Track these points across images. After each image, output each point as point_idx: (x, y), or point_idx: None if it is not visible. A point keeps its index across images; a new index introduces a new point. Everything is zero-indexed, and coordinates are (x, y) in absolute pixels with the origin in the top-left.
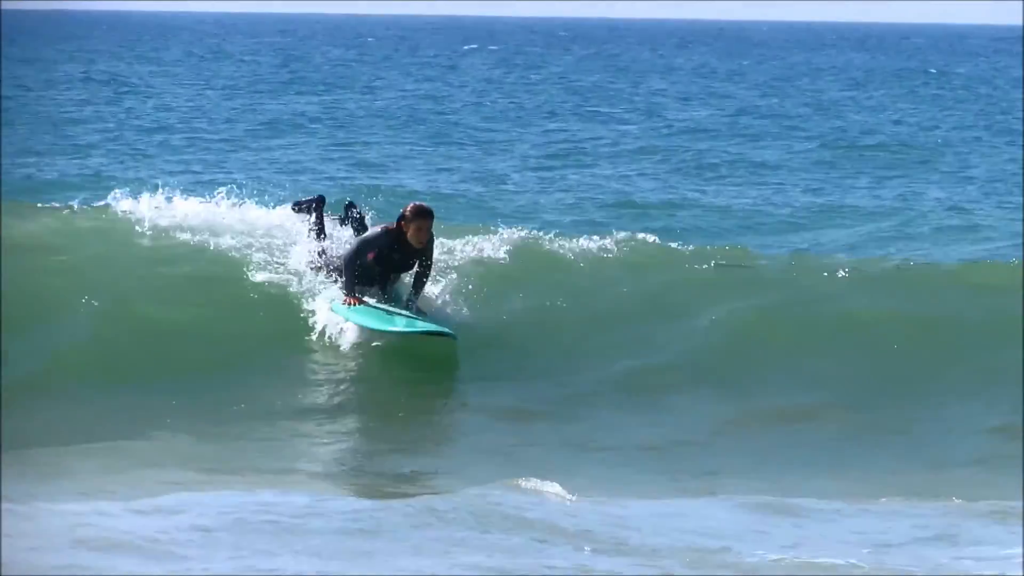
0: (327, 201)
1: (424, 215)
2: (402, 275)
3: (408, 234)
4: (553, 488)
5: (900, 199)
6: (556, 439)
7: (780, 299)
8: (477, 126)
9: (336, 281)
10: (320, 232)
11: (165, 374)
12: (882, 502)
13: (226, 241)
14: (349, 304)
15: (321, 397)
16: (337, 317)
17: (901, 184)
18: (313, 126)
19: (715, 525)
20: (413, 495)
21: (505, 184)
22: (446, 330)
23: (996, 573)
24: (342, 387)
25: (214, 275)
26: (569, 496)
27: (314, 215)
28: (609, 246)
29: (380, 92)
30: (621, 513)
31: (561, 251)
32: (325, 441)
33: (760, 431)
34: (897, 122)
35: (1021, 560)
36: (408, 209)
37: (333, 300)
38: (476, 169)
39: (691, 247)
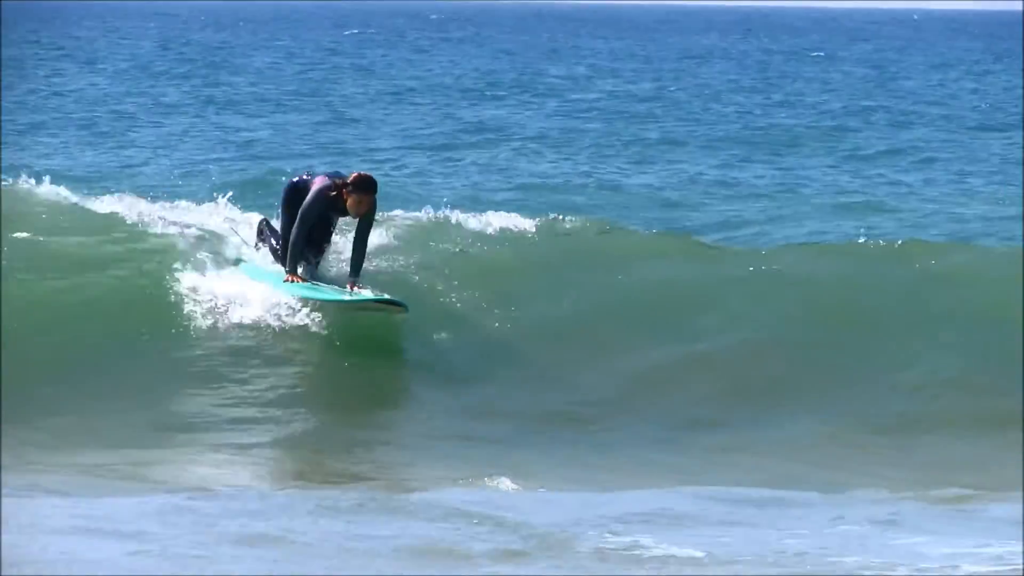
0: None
1: (365, 189)
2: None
3: (347, 203)
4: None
5: (797, 179)
6: (480, 410)
7: (680, 274)
8: (367, 107)
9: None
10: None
11: (73, 352)
12: (790, 488)
13: (122, 220)
14: (291, 282)
15: (240, 377)
16: (274, 293)
17: (796, 164)
18: (201, 108)
19: (596, 512)
20: (321, 480)
21: (401, 166)
22: (396, 299)
23: (857, 559)
24: (265, 368)
25: (111, 254)
26: (509, 485)
27: (265, 240)
28: (513, 223)
29: (267, 75)
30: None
31: (467, 228)
32: (234, 423)
33: (662, 401)
34: (786, 104)
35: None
36: (351, 179)
37: (244, 259)
38: (370, 149)
39: (597, 222)
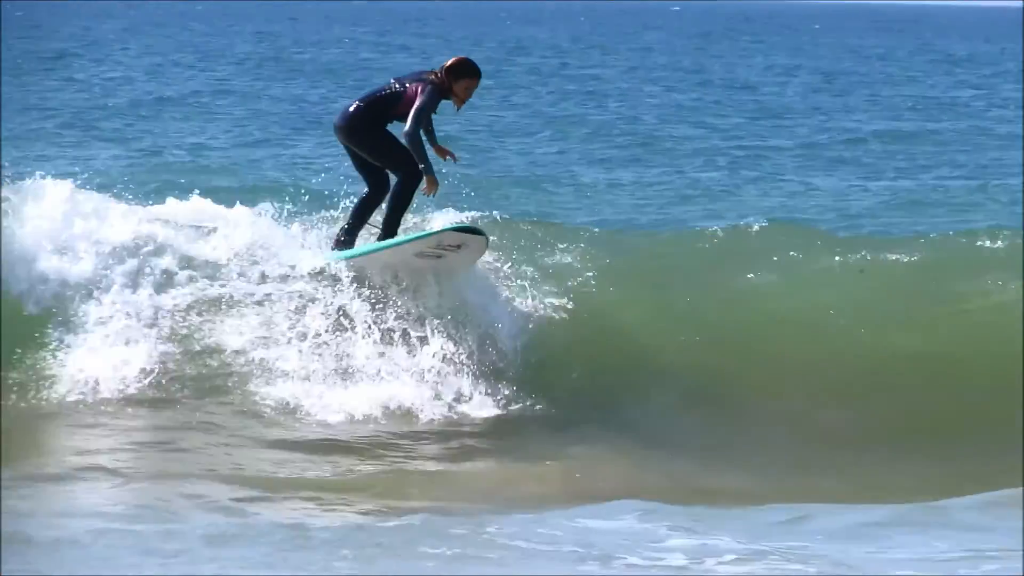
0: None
1: (479, 73)
2: None
3: (455, 89)
4: None
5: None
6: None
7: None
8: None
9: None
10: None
11: None
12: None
13: None
14: (432, 188)
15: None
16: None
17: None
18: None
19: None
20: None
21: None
22: (474, 226)
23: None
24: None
25: None
26: None
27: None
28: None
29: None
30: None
31: None
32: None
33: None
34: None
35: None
36: (456, 64)
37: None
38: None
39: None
